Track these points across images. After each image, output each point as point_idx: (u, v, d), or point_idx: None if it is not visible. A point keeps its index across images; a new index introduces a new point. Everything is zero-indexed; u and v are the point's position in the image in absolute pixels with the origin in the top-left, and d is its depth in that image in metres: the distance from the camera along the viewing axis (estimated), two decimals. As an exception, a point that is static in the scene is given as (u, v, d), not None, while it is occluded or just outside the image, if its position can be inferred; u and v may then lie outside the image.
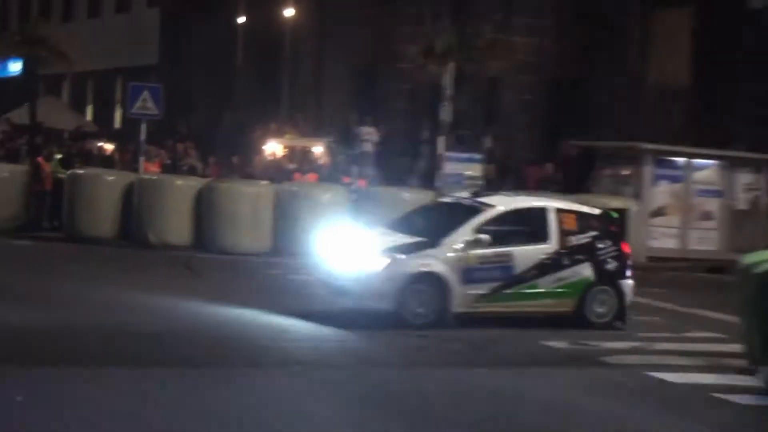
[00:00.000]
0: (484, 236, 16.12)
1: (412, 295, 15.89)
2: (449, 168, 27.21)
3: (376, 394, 11.87)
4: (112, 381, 11.47)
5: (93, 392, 10.97)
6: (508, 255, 16.34)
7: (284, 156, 32.63)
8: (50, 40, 38.20)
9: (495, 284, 16.28)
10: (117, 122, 44.72)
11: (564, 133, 29.89)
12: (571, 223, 16.87)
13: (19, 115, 38.82)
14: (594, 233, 16.89)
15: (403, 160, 30.83)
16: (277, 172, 29.13)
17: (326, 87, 38.71)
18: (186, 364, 12.62)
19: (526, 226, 16.86)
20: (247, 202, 23.73)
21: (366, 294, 15.90)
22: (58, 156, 27.84)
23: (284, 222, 23.43)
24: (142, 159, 27.08)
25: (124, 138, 34.80)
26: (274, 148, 33.53)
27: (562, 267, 16.57)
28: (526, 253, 16.47)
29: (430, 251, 16.10)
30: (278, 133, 34.95)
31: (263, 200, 23.77)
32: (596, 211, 17.43)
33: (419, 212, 18.23)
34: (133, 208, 23.98)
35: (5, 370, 11.47)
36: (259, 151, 33.59)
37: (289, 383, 12.03)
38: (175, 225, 23.65)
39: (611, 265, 16.82)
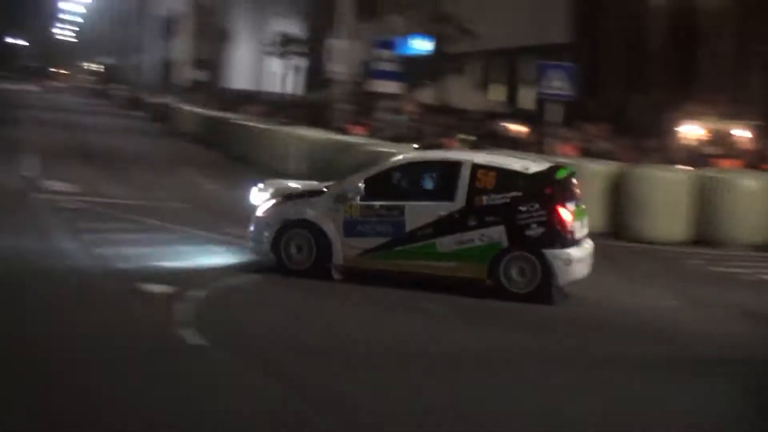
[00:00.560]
0: (361, 185, 15.80)
1: (288, 241, 16.02)
2: None
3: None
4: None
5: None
6: (398, 209, 15.66)
7: (703, 140, 31.84)
8: (458, 18, 39.05)
9: (383, 240, 15.67)
10: (525, 102, 45.09)
11: None
12: (489, 182, 15.50)
13: (426, 95, 39.94)
14: (516, 194, 15.35)
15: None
16: (692, 156, 28.48)
17: (748, 66, 37.45)
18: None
19: (434, 180, 15.99)
20: (663, 189, 23.35)
21: (252, 240, 16.56)
22: (465, 137, 28.41)
23: (704, 210, 22.95)
24: (551, 140, 27.17)
25: (533, 119, 35.08)
26: (689, 131, 32.81)
27: (467, 228, 15.34)
28: (420, 210, 15.59)
29: (316, 199, 16.17)
30: (694, 116, 34.17)
31: (680, 186, 23.32)
32: (532, 170, 15.78)
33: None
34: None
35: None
36: (673, 135, 32.97)
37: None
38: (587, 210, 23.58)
39: (534, 231, 15.18)
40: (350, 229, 15.87)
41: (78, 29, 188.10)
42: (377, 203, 15.82)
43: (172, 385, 10.19)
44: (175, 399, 9.79)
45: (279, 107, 50.81)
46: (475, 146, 27.02)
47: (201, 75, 70.65)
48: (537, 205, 15.27)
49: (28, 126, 48.93)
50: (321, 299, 14.91)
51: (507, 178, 15.58)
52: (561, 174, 16.03)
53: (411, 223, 15.61)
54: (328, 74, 39.65)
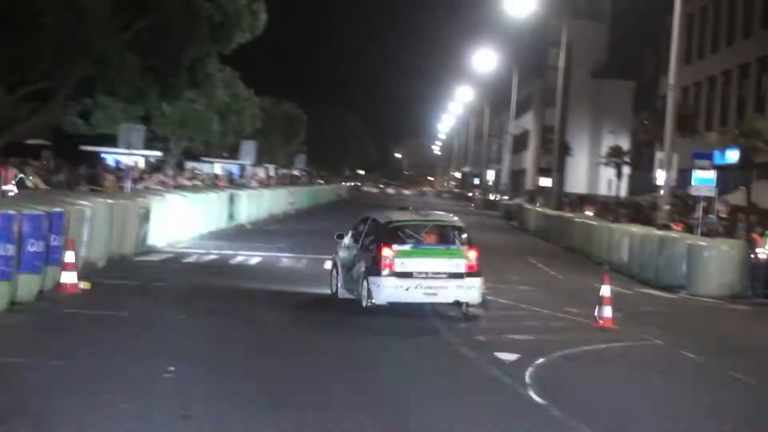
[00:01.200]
0: (350, 233, 20.11)
1: (332, 275, 20.51)
2: None
3: None
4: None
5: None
6: (349, 249, 19.71)
7: None
8: (765, 133, 38.48)
9: (348, 271, 19.56)
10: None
11: None
12: (371, 230, 19.12)
13: (735, 197, 39.36)
14: (374, 237, 18.77)
15: None
16: None
17: None
18: None
19: (363, 230, 19.53)
20: None
21: None
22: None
23: None
24: None
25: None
26: None
27: (359, 262, 18.91)
28: (351, 250, 19.59)
29: (343, 242, 20.31)
30: None
31: None
32: (385, 220, 18.98)
33: None
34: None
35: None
36: None
37: None
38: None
39: (369, 263, 18.44)
40: (343, 264, 19.94)
41: (441, 143, 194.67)
42: (350, 246, 19.80)
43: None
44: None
45: (609, 207, 51.00)
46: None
47: (544, 181, 71.79)
48: (375, 245, 18.58)
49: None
50: (638, 370, 15.29)
51: (376, 226, 19.08)
52: (397, 223, 18.90)
53: (351, 259, 19.48)
54: (653, 180, 39.62)
